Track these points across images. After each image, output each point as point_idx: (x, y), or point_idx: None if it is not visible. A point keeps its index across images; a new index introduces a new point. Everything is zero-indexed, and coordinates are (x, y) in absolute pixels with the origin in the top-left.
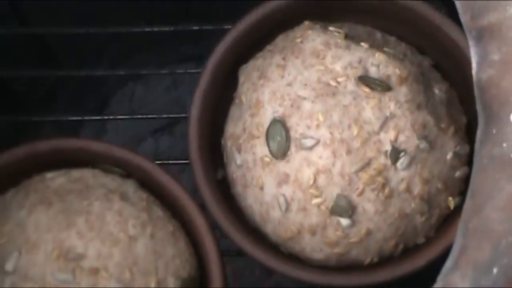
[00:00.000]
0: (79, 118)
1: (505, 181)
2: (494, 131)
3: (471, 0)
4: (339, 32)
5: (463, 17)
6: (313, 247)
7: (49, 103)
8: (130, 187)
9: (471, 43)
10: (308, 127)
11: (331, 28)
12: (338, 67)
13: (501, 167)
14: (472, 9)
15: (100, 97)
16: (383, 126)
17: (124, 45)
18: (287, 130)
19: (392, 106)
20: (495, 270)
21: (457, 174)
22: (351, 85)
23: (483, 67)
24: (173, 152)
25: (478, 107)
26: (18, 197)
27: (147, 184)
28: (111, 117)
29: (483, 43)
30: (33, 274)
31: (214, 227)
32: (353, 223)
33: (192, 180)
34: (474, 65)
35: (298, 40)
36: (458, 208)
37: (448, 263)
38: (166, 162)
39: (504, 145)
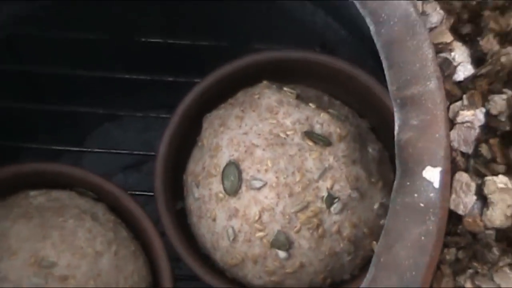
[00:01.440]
0: (61, 147)
1: (413, 225)
2: (408, 183)
3: (398, 74)
4: (292, 93)
5: (391, 88)
6: (254, 274)
7: (31, 135)
8: (100, 209)
9: (396, 109)
10: (258, 171)
11: (285, 89)
12: (288, 122)
13: (411, 213)
14: (398, 82)
15: (77, 134)
16: (322, 175)
17: (104, 88)
18: (240, 172)
19: (331, 159)
20: None
21: (382, 221)
22: (297, 138)
23: (404, 129)
24: (140, 187)
25: (397, 162)
26: (4, 210)
27: (115, 208)
28: (89, 149)
29: (405, 110)
30: (11, 276)
31: (172, 255)
32: (289, 256)
33: (154, 211)
34: (396, 127)
35: (256, 96)
36: None
37: None
38: (133, 192)
39: (415, 195)
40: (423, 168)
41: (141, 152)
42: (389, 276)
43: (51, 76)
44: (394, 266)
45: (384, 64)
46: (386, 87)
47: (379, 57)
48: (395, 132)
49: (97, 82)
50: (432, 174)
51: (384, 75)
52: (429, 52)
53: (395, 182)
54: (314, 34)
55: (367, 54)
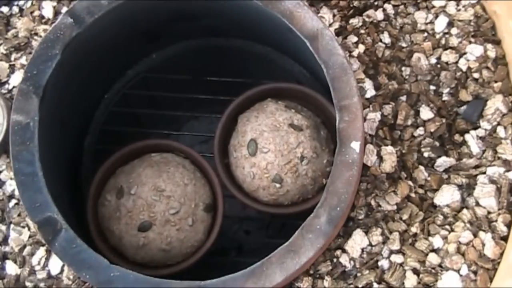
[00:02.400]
0: (168, 132)
1: (345, 171)
2: (343, 150)
3: (338, 93)
4: (282, 104)
5: (334, 101)
6: (263, 195)
7: (153, 126)
8: (187, 162)
9: (337, 112)
10: (265, 143)
11: (279, 102)
12: (280, 119)
13: (344, 165)
14: (338, 97)
15: (177, 125)
16: (297, 146)
17: (190, 102)
18: (256, 144)
19: (302, 137)
20: (333, 213)
21: (328, 169)
22: (285, 127)
23: (341, 122)
24: (207, 151)
25: (337, 139)
26: (139, 163)
27: (195, 162)
28: (181, 133)
29: (342, 112)
30: (142, 196)
31: (223, 185)
32: (281, 186)
33: (214, 164)
34: (337, 121)
35: (265, 106)
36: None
37: (318, 204)
38: (203, 154)
39: (347, 156)
40: (351, 142)
41: (208, 134)
42: (332, 197)
43: (165, 97)
44: (336, 192)
45: (331, 89)
46: (331, 101)
47: (326, 87)
48: (336, 124)
49: (186, 99)
50: (355, 145)
51: (329, 95)
52: (354, 83)
53: (336, 149)
54: (293, 76)
55: (319, 86)
